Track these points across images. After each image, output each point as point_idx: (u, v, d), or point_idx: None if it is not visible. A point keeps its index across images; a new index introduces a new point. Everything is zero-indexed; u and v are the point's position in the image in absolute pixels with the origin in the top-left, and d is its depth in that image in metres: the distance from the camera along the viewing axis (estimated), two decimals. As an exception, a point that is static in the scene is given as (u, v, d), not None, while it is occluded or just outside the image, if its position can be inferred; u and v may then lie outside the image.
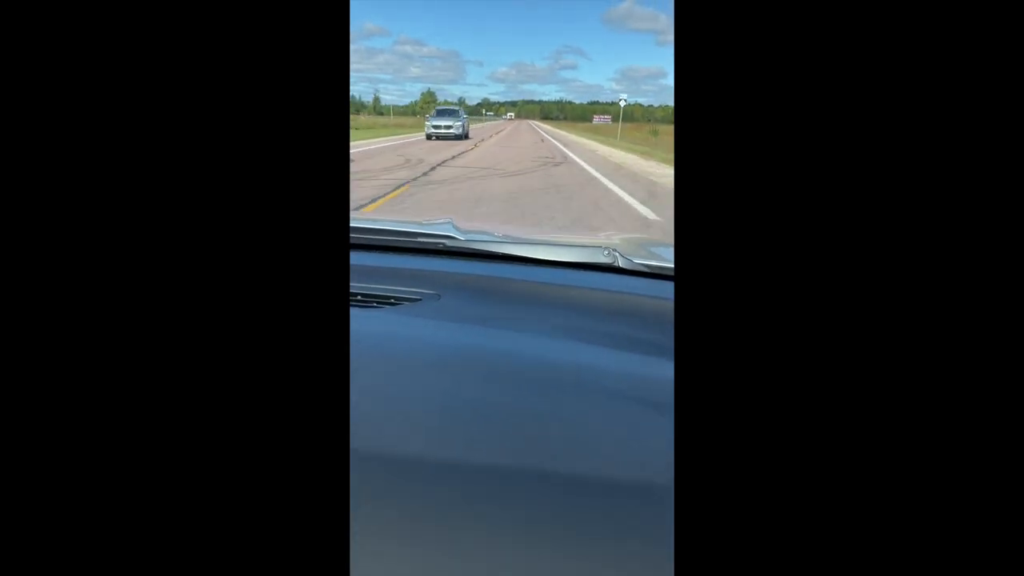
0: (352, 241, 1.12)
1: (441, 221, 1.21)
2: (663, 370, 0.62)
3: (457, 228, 1.16)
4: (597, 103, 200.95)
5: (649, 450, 0.46)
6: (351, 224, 1.13)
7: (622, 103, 33.34)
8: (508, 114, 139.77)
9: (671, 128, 0.70)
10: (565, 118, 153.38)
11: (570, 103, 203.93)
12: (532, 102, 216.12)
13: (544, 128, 52.54)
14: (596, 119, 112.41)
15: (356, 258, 1.06)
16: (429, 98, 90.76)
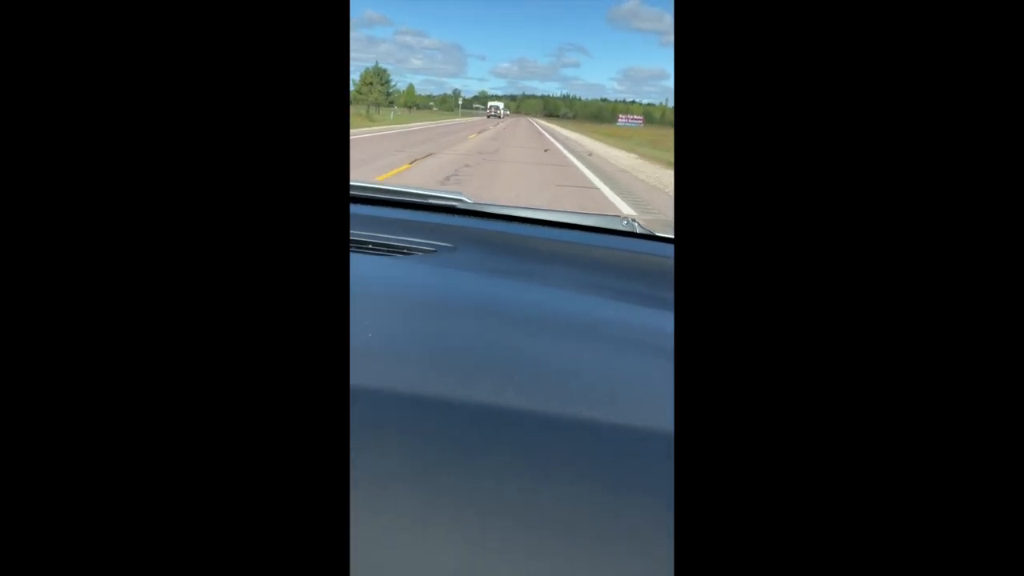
0: (362, 196, 1.13)
1: (451, 191, 1.19)
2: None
3: (467, 198, 1.14)
4: (605, 100, 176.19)
5: (656, 397, 0.47)
6: (362, 184, 1.16)
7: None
8: (494, 105, 77.69)
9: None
10: (574, 116, 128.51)
11: (578, 99, 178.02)
12: (533, 96, 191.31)
13: (569, 140, 26.71)
14: (622, 120, 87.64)
15: (367, 210, 1.04)
16: (371, 78, 61.94)
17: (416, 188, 1.16)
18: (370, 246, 0.85)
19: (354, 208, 1.05)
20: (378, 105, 55.87)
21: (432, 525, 0.35)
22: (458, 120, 47.51)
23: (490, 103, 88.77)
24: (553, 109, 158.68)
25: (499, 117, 74.35)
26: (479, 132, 24.07)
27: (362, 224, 0.93)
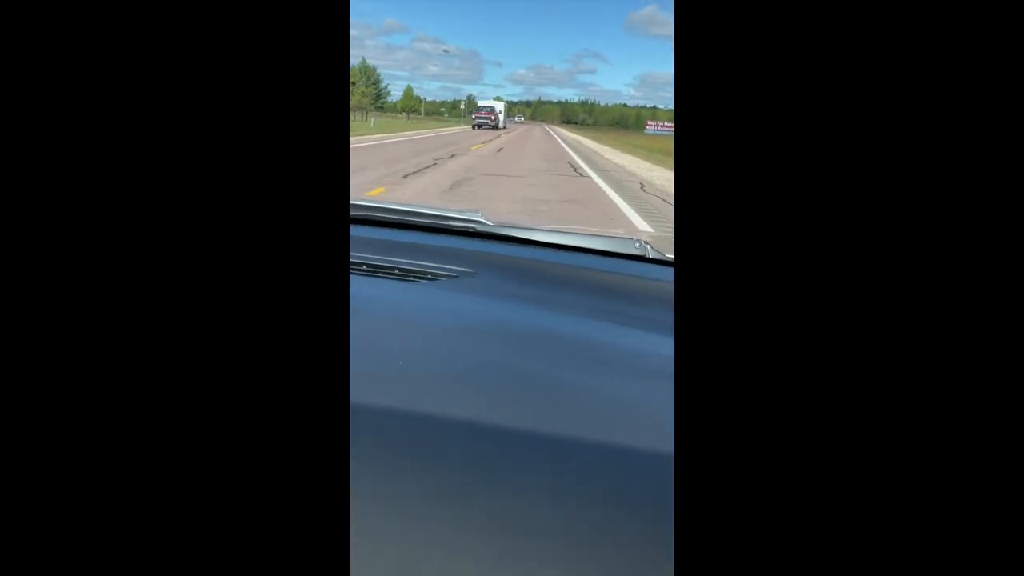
0: (385, 220, 1.20)
1: (470, 211, 1.25)
2: None
3: (485, 218, 1.21)
4: (625, 106, 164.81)
5: (661, 420, 0.49)
6: (384, 205, 1.24)
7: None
8: (486, 107, 44.76)
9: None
10: (594, 123, 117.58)
11: (597, 104, 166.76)
12: (550, 102, 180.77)
13: (628, 173, 14.36)
14: (651, 127, 76.61)
15: (392, 235, 1.12)
16: (355, 77, 50.22)
17: (436, 209, 1.23)
18: (396, 272, 0.91)
19: (380, 233, 1.12)
20: (364, 110, 45.16)
21: (438, 536, 0.36)
22: (448, 130, 36.85)
23: (481, 104, 49.09)
24: (571, 115, 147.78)
25: (497, 127, 41.14)
26: (437, 161, 11.23)
27: (388, 250, 1.00)
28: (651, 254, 1.08)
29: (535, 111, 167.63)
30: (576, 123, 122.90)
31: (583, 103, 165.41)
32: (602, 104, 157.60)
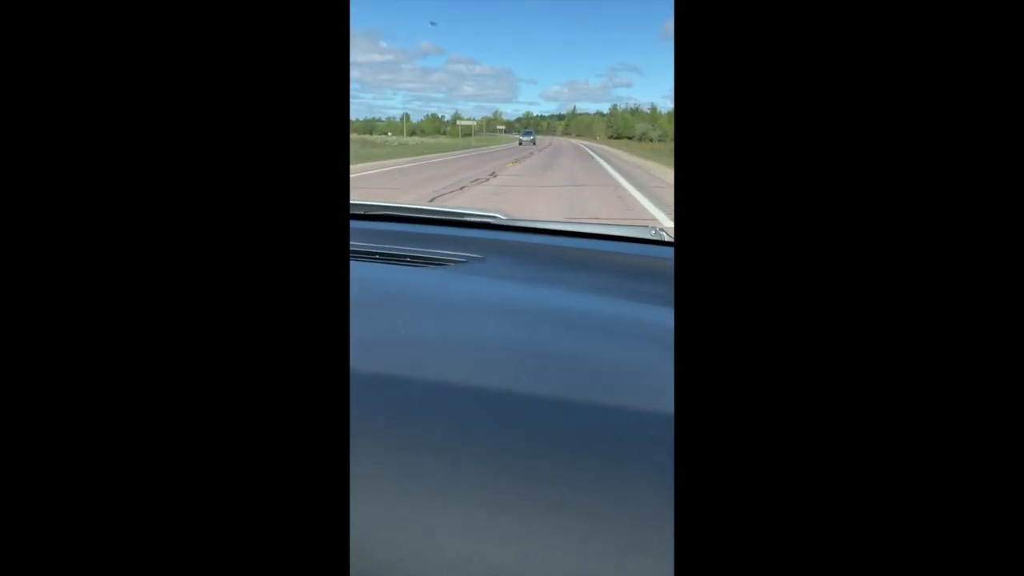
0: (402, 215, 1.24)
1: (489, 210, 1.29)
2: None
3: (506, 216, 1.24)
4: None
5: (664, 387, 0.49)
6: (405, 205, 1.30)
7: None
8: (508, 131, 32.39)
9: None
10: (661, 138, 78.39)
11: (657, 111, 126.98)
12: (586, 115, 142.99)
13: None
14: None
15: (406, 227, 1.16)
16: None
17: (456, 208, 1.27)
18: (407, 259, 0.92)
19: (397, 227, 1.16)
20: None
21: (442, 494, 0.37)
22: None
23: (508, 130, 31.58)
24: (622, 128, 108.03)
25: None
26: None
27: (403, 241, 1.02)
28: (667, 239, 1.07)
29: (568, 124, 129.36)
30: (630, 138, 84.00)
31: (635, 111, 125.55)
32: (663, 112, 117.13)
